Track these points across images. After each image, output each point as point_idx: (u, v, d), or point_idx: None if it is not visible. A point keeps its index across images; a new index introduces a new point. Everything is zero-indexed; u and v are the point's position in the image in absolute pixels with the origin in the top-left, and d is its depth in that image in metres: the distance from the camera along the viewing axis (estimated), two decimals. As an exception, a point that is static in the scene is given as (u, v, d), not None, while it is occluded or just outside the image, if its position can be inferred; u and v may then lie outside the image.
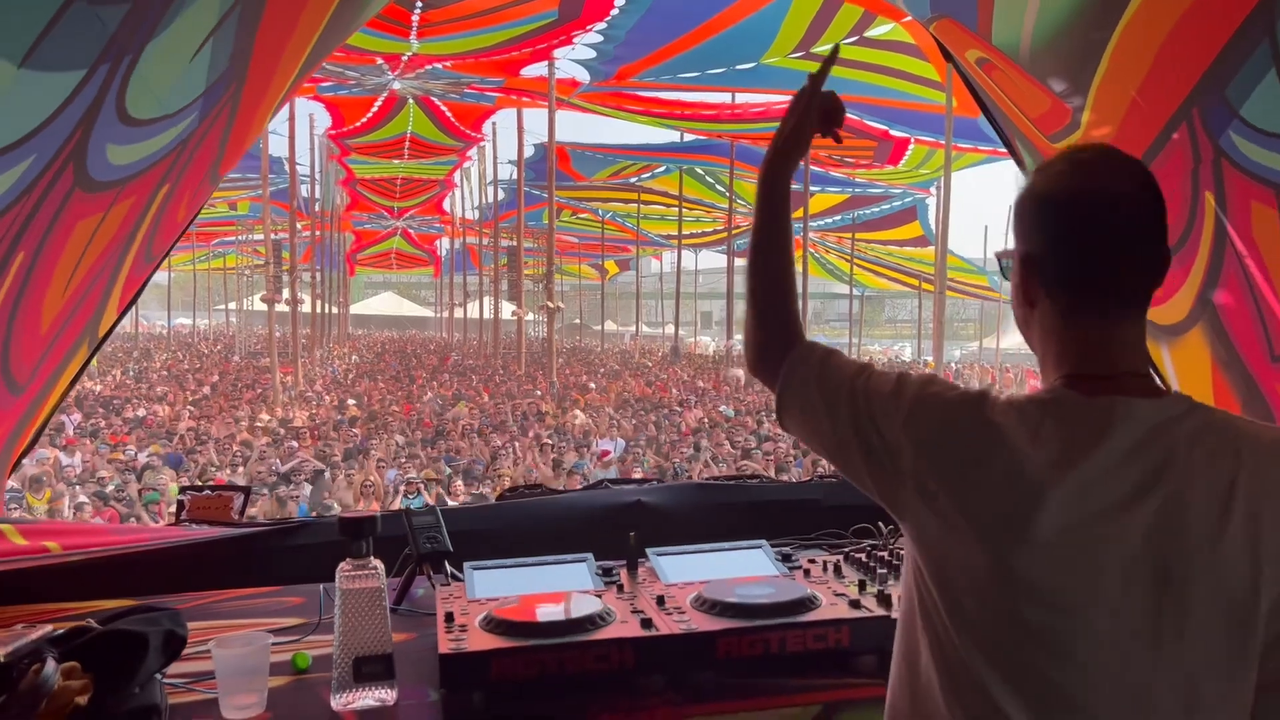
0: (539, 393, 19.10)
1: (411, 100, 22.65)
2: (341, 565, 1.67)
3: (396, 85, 21.39)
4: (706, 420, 16.53)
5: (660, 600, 1.85)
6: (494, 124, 25.47)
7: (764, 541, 2.21)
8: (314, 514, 11.39)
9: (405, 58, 18.72)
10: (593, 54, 18.00)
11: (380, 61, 19.31)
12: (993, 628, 1.15)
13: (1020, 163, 3.80)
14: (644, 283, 42.82)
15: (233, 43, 2.28)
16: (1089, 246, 1.19)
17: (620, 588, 1.96)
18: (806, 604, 1.79)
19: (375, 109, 23.29)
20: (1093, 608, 1.12)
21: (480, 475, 12.42)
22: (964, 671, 1.17)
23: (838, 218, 29.38)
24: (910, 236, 28.96)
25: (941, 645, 1.20)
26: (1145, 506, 1.12)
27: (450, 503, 11.53)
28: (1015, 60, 3.27)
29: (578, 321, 49.26)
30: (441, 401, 18.82)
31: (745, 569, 2.06)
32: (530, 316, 27.53)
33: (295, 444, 14.23)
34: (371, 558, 1.68)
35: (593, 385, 21.05)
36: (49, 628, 1.93)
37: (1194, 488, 1.13)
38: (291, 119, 21.94)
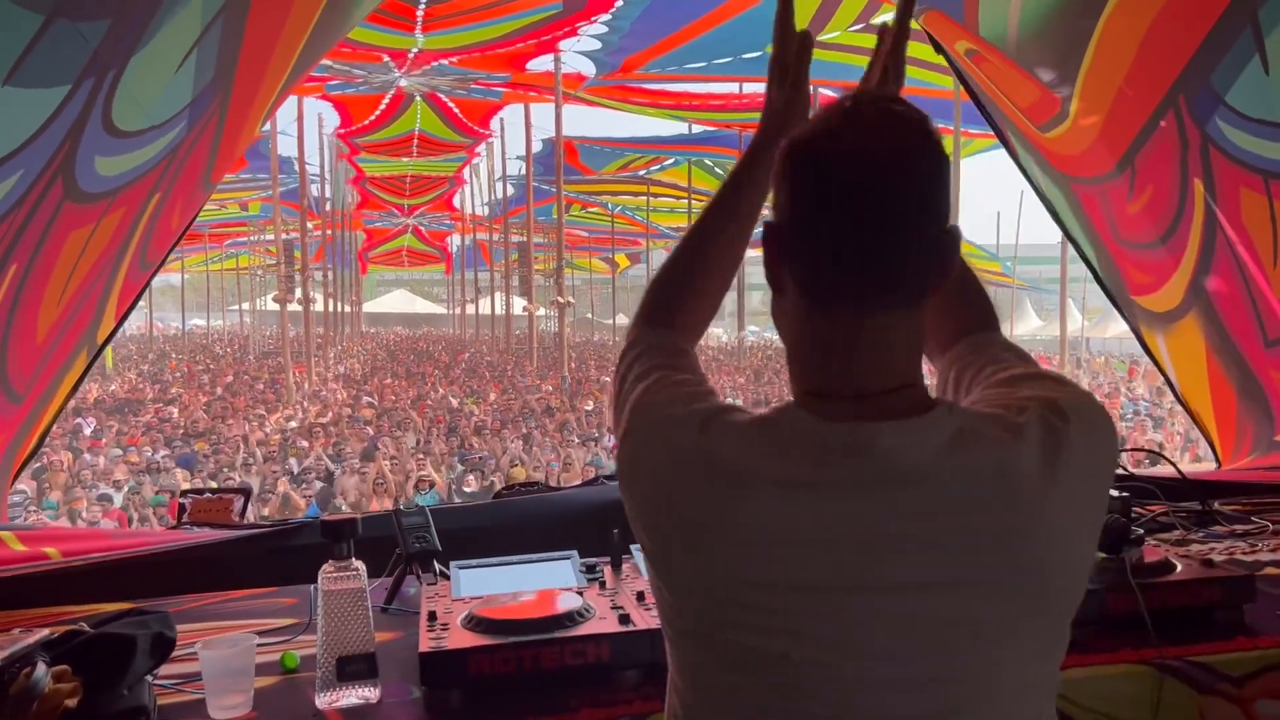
0: (549, 388, 19.15)
1: (419, 97, 22.69)
2: (324, 567, 1.70)
3: (403, 82, 21.41)
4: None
5: (640, 596, 1.88)
6: (501, 119, 25.50)
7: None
8: (324, 512, 11.49)
9: (411, 54, 18.75)
10: (598, 45, 17.99)
11: (386, 59, 19.34)
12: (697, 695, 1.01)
13: (1013, 153, 3.81)
14: (655, 275, 42.76)
15: (217, 52, 2.32)
16: (829, 207, 0.94)
17: (603, 584, 1.99)
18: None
19: (383, 107, 23.33)
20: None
21: (489, 471, 12.49)
22: None
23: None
24: (922, 224, 28.79)
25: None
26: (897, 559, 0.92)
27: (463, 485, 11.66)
28: (1003, 51, 3.28)
29: (590, 316, 49.33)
30: (455, 399, 18.92)
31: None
32: (541, 311, 27.59)
33: (306, 444, 14.32)
34: (353, 559, 1.71)
35: (606, 379, 21.09)
36: (45, 632, 1.98)
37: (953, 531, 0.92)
38: (300, 119, 22.07)
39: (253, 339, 36.47)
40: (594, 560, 2.15)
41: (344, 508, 11.78)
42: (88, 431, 16.51)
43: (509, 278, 28.26)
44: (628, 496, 1.03)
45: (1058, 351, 25.95)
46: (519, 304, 27.35)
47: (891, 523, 0.91)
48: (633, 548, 2.17)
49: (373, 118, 24.06)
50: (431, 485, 12.00)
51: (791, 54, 1.28)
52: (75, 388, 3.05)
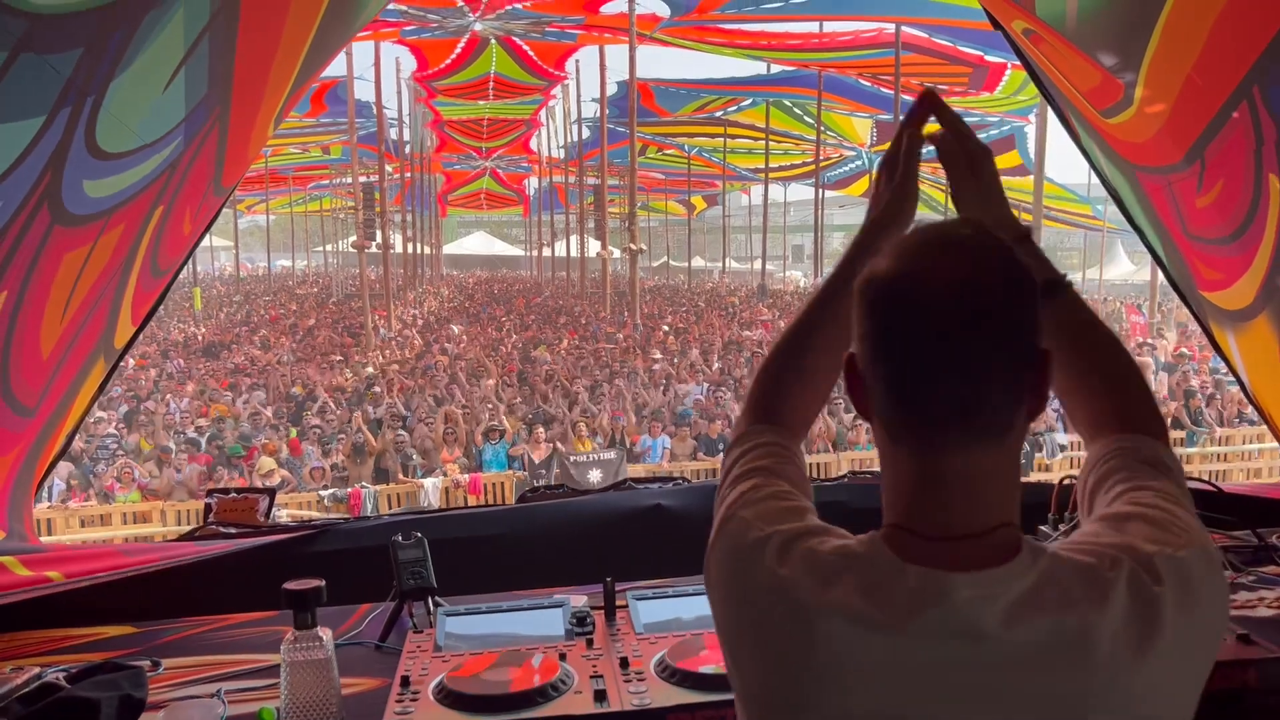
0: (622, 336, 19.07)
1: (493, 40, 22.54)
2: (287, 636, 1.65)
3: (478, 26, 21.30)
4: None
5: (624, 662, 1.79)
6: (577, 61, 25.25)
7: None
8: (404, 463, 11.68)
9: (485, -1, 18.63)
10: (672, -13, 17.63)
11: (461, 3, 19.23)
12: None
13: (1075, 137, 3.56)
14: (733, 217, 42.26)
15: (207, 68, 2.24)
16: (911, 345, 0.93)
17: (590, 641, 1.91)
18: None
19: (458, 50, 23.25)
20: None
21: (548, 420, 12.52)
22: None
23: (931, 148, 28.37)
24: (1009, 166, 27.85)
25: None
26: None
27: (530, 452, 11.69)
28: (1061, 32, 3.04)
29: (667, 260, 48.97)
30: (525, 345, 18.98)
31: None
32: (616, 254, 27.49)
33: (379, 390, 14.52)
34: (317, 628, 1.65)
35: (666, 327, 20.86)
36: (35, 670, 1.98)
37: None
38: (377, 63, 22.06)
39: (336, 280, 37.06)
40: (586, 607, 2.06)
41: (416, 457, 11.97)
42: (172, 369, 17.04)
43: (583, 221, 28.14)
44: (711, 601, 1.06)
45: (1148, 297, 25.05)
46: (595, 246, 27.25)
47: (962, 672, 0.91)
48: (629, 595, 2.08)
49: (449, 61, 24.02)
50: (501, 435, 12.07)
51: (901, 150, 1.30)
52: (100, 390, 3.05)
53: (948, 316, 0.91)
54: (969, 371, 0.92)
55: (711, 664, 1.74)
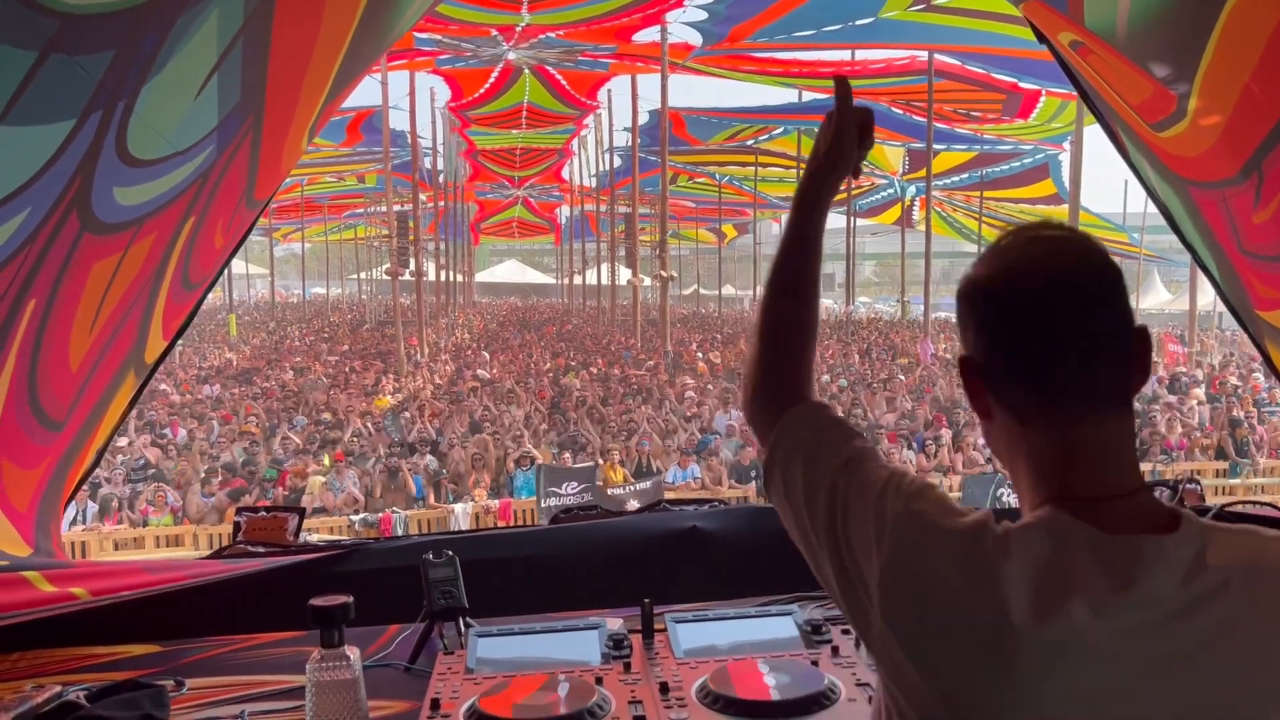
0: (653, 363, 18.99)
1: (527, 70, 22.74)
2: (313, 655, 1.58)
3: (512, 55, 21.49)
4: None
5: (664, 687, 1.70)
6: (609, 90, 25.40)
7: (795, 607, 2.04)
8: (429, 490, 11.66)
9: (518, 28, 18.78)
10: (704, 15, 17.68)
11: (495, 33, 19.41)
12: None
13: (1123, 151, 3.46)
14: (764, 245, 42.19)
15: (240, 76, 2.20)
16: (1028, 334, 1.02)
17: (628, 665, 1.82)
18: (817, 701, 1.61)
19: (492, 79, 23.48)
20: None
21: (581, 446, 12.46)
22: None
23: (964, 176, 28.26)
24: (1043, 195, 27.68)
25: None
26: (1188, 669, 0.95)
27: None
28: (1111, 44, 2.95)
29: (698, 288, 48.89)
30: (556, 371, 18.95)
31: (768, 641, 1.89)
32: (647, 283, 27.47)
33: (408, 415, 14.52)
34: (344, 647, 1.58)
35: (700, 354, 20.73)
36: (57, 688, 1.92)
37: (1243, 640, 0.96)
38: (412, 93, 22.28)
39: (370, 307, 37.29)
40: (623, 630, 1.97)
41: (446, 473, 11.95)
42: (205, 395, 17.15)
43: (614, 249, 28.19)
44: (900, 609, 1.00)
45: (1187, 326, 24.66)
46: (626, 274, 27.27)
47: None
48: (668, 618, 2.00)
49: (482, 90, 24.24)
50: (533, 461, 12.03)
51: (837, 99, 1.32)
52: (131, 405, 3.02)
53: (1056, 305, 1.00)
54: (1084, 349, 1.00)
55: (757, 692, 1.65)
